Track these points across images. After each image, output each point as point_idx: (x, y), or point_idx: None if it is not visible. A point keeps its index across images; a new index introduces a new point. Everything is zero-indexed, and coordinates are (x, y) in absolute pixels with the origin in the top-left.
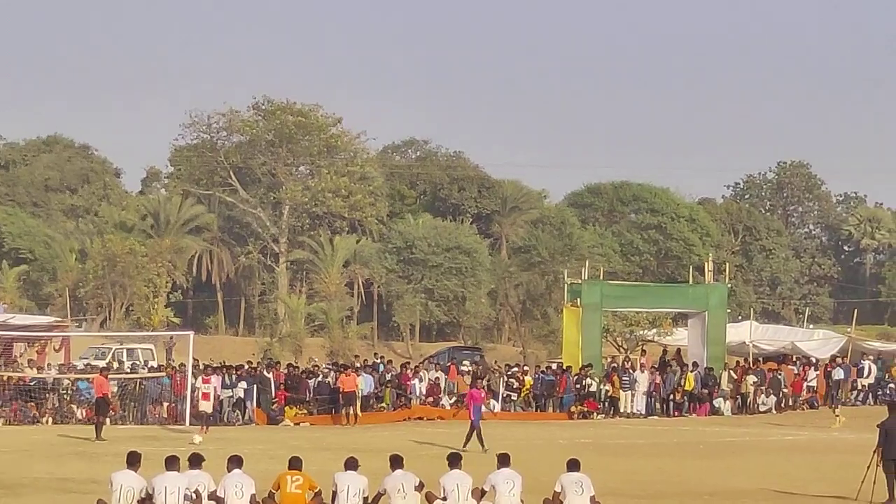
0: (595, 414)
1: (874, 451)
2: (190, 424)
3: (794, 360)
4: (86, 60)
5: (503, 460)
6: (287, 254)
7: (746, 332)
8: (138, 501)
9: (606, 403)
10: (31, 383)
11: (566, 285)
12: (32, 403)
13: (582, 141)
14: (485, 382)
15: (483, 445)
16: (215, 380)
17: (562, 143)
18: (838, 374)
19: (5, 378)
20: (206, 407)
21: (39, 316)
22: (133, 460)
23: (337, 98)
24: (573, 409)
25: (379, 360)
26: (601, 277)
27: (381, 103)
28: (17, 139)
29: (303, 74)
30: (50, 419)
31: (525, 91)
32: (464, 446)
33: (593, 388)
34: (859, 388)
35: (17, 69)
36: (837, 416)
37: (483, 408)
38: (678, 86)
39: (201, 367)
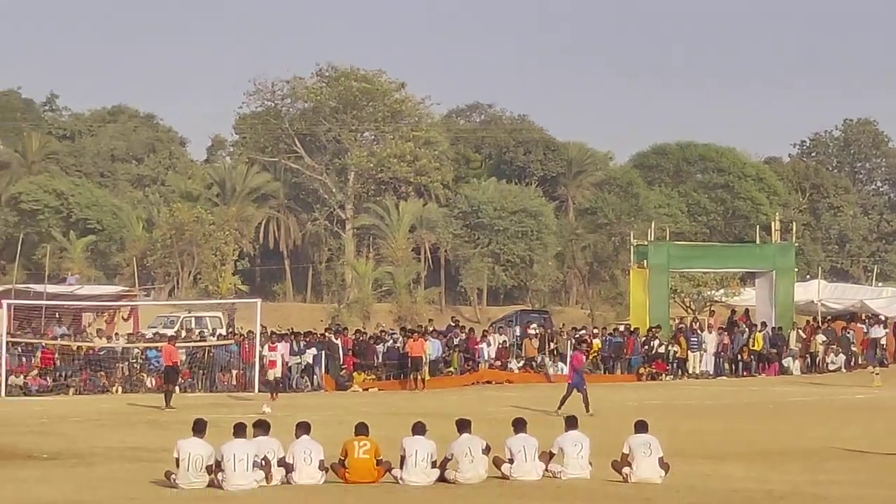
0: (663, 375)
1: None
2: (259, 392)
3: (864, 318)
4: (151, 29)
5: (571, 423)
6: (353, 220)
7: (815, 291)
8: (206, 468)
9: (675, 364)
10: (101, 353)
11: (632, 247)
12: (102, 373)
13: (647, 101)
14: (552, 345)
15: (587, 408)
16: (282, 347)
17: (627, 103)
18: (876, 332)
19: (75, 348)
20: (274, 374)
21: (107, 286)
22: (199, 428)
23: (400, 63)
24: (641, 370)
25: (454, 324)
26: (667, 238)
27: (444, 67)
28: (82, 110)
29: (366, 40)
30: (119, 388)
31: (589, 52)
32: (558, 409)
33: (661, 350)
34: None
35: (82, 40)
36: (876, 374)
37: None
38: (742, 45)
39: (269, 334)
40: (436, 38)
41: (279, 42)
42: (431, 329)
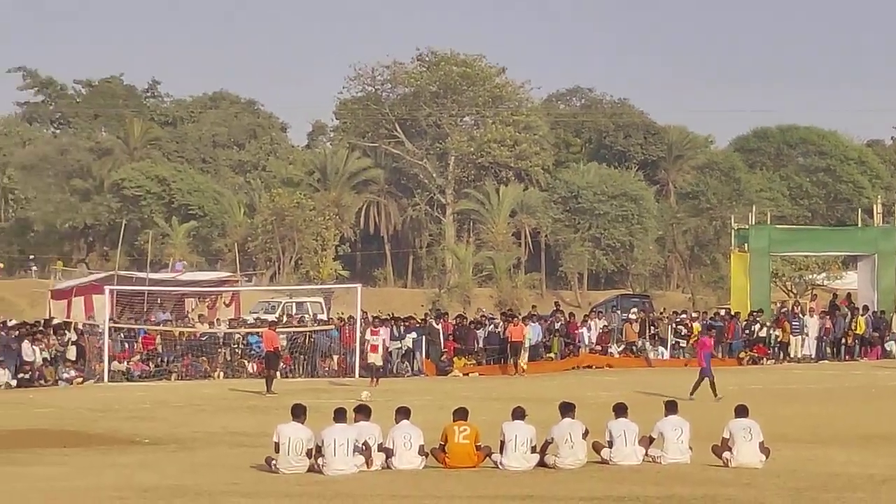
0: (765, 359)
1: None
2: (360, 377)
3: None
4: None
5: (671, 407)
6: (454, 204)
7: None
8: (307, 452)
9: (776, 348)
10: (203, 338)
11: (734, 230)
12: (204, 358)
13: (747, 84)
14: (653, 329)
15: (715, 394)
16: (384, 332)
17: (727, 86)
18: None
19: (177, 333)
20: (374, 359)
21: (209, 272)
22: (298, 412)
23: (500, 48)
24: (742, 354)
25: (556, 308)
26: (769, 222)
27: (544, 52)
28: (184, 96)
29: (466, 24)
30: (221, 374)
31: (689, 35)
32: (691, 394)
33: (762, 334)
34: None
35: (183, 26)
36: None
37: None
38: (845, 28)
39: (370, 319)
40: (536, 22)
41: (380, 27)
42: (532, 314)
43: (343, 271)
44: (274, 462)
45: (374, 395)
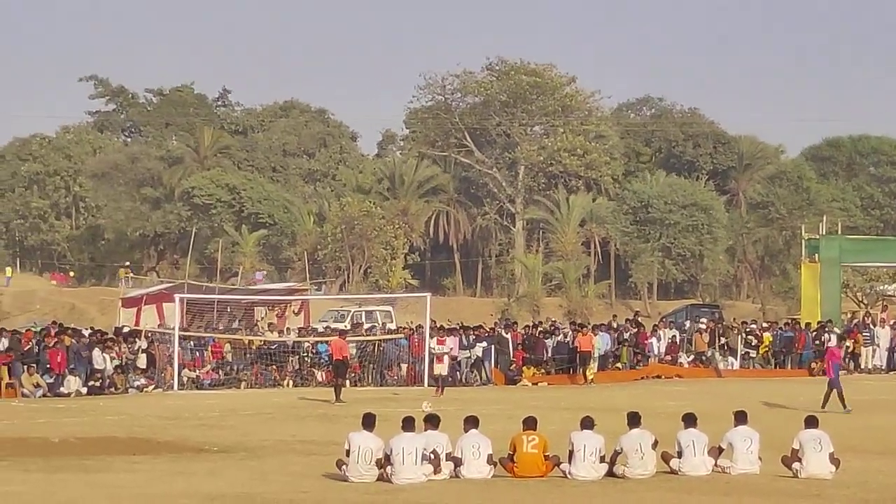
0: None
1: None
2: (428, 385)
3: None
4: (322, 25)
5: (740, 418)
6: (523, 213)
7: None
8: (376, 462)
9: (847, 359)
10: (272, 347)
11: (804, 240)
12: (273, 367)
13: (818, 94)
14: (723, 339)
15: (844, 405)
16: (450, 341)
17: (798, 96)
18: None
19: (247, 342)
20: (440, 369)
21: (277, 284)
22: (369, 422)
23: (571, 57)
24: (813, 365)
25: (636, 318)
26: (839, 232)
27: (615, 61)
28: (254, 105)
29: (536, 33)
30: (290, 382)
31: (761, 44)
32: (822, 407)
33: (832, 343)
34: None
35: (254, 36)
36: None
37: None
38: None
39: (437, 327)
40: (606, 31)
41: (449, 36)
42: (603, 324)
43: (412, 280)
44: (344, 467)
45: (439, 405)
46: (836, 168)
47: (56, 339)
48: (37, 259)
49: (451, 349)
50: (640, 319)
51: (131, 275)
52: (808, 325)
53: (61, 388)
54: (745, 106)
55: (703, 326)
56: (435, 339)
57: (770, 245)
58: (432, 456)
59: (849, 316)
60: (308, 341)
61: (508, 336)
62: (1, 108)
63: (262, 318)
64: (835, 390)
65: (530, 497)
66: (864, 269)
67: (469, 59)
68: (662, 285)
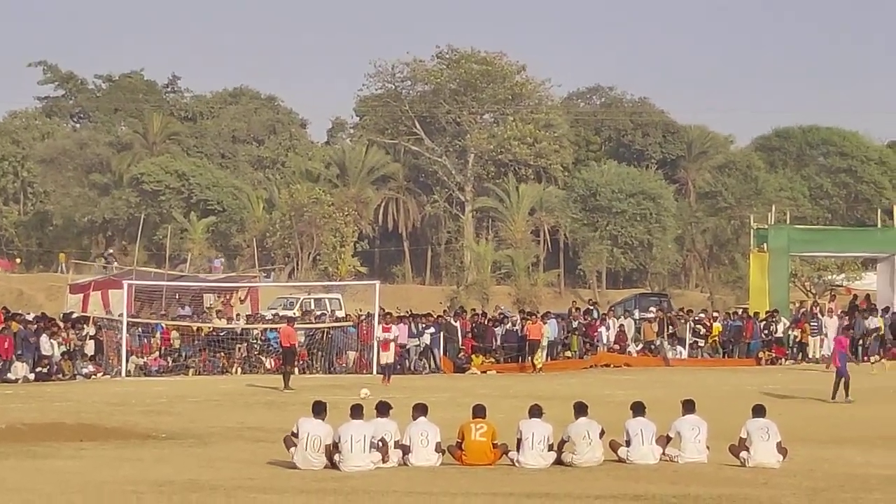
0: (783, 360)
1: None
2: (377, 374)
3: None
4: (272, 11)
5: (688, 407)
6: (473, 202)
7: None
8: (324, 449)
9: (795, 349)
10: (221, 334)
11: (753, 230)
12: (222, 354)
13: (768, 84)
14: (671, 329)
15: (847, 395)
16: (396, 329)
17: (748, 86)
18: (871, 323)
19: (195, 329)
20: (386, 357)
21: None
22: (319, 410)
23: (521, 46)
24: (761, 354)
25: (592, 307)
26: (788, 222)
27: (565, 50)
28: (203, 91)
29: (487, 22)
30: (238, 369)
31: (711, 35)
32: (833, 397)
33: (780, 334)
34: None
35: (204, 22)
36: (874, 363)
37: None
38: (864, 25)
39: (383, 314)
40: (557, 20)
41: (399, 24)
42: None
43: (361, 268)
44: (293, 449)
45: (386, 393)
46: (786, 158)
47: (3, 326)
48: None
49: (397, 337)
50: (591, 308)
51: (74, 261)
52: (756, 314)
53: (8, 375)
54: (696, 96)
55: (652, 316)
56: (380, 326)
57: (719, 234)
58: (381, 444)
59: (797, 305)
60: (257, 328)
61: (457, 324)
62: None
63: (211, 306)
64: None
65: (478, 485)
66: (813, 258)
67: (419, 47)
68: (611, 274)
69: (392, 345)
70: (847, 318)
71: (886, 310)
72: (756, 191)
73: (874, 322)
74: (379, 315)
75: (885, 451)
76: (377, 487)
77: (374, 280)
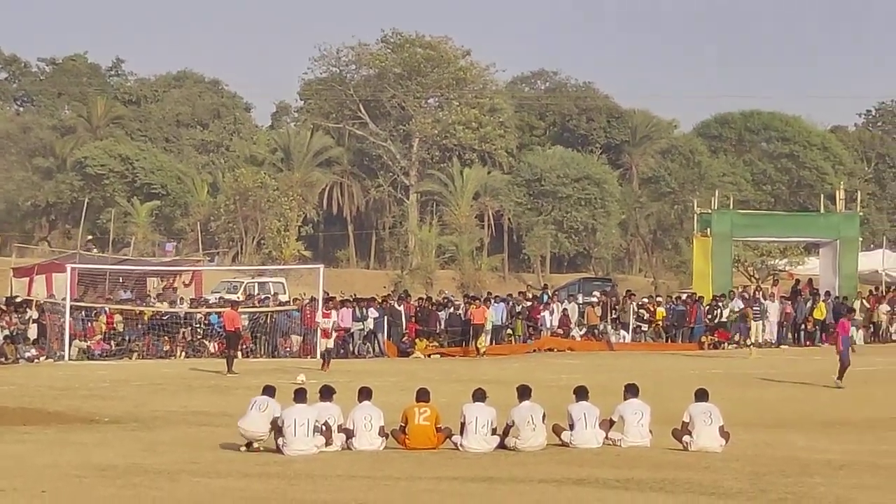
0: (725, 344)
1: None
2: (321, 357)
3: None
4: None
5: (631, 391)
6: (417, 186)
7: (879, 261)
8: (271, 425)
9: (738, 333)
10: (164, 318)
11: (696, 215)
12: (165, 338)
13: (713, 69)
14: (615, 313)
15: (840, 379)
16: (336, 315)
17: (692, 71)
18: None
19: (138, 312)
20: (325, 343)
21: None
22: (269, 393)
23: (466, 30)
24: (704, 339)
25: (543, 291)
26: (731, 207)
27: (510, 34)
28: (147, 75)
29: (432, 6)
30: (182, 353)
31: (655, 20)
32: (838, 380)
33: (724, 319)
34: None
35: (148, 4)
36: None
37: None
38: (808, 12)
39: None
40: (501, 5)
41: (344, 7)
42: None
43: (305, 252)
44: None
45: (336, 374)
46: (728, 144)
47: None
48: None
49: (336, 322)
50: (536, 293)
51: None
52: (701, 298)
53: None
54: (640, 80)
55: (596, 300)
56: (321, 312)
57: (662, 219)
58: (324, 427)
59: (740, 290)
60: (200, 312)
61: (401, 308)
62: None
63: (155, 289)
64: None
65: (422, 469)
66: (756, 243)
67: (364, 30)
68: (555, 258)
69: (332, 331)
70: (790, 302)
71: (828, 294)
72: (699, 176)
73: (738, 304)
74: (321, 300)
75: (825, 435)
76: (320, 471)
77: (319, 264)
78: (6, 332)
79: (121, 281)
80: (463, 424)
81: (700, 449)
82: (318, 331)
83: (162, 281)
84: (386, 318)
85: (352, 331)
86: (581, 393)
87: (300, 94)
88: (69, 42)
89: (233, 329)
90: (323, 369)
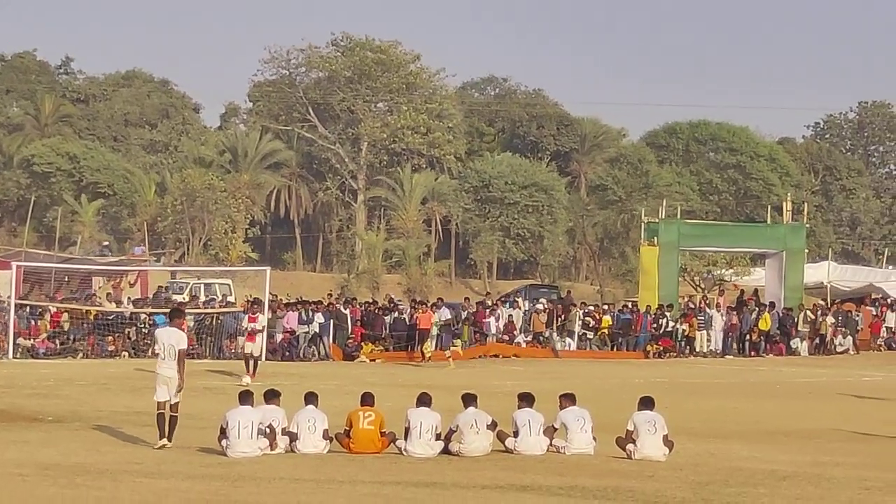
0: (670, 353)
1: None
2: (266, 360)
3: (873, 300)
4: None
5: (570, 398)
6: (365, 190)
7: (824, 273)
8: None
9: (682, 343)
10: (110, 317)
11: (643, 224)
12: (110, 337)
13: (662, 79)
14: (560, 320)
15: None
16: (263, 319)
17: (642, 80)
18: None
19: (84, 312)
20: (252, 349)
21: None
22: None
23: (416, 35)
24: (649, 347)
25: (515, 298)
26: (678, 216)
27: (460, 40)
28: (96, 74)
29: (382, 10)
30: (127, 353)
31: (605, 28)
32: None
33: (669, 328)
34: None
35: (97, 3)
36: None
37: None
38: (757, 23)
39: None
40: (452, 10)
41: (295, 10)
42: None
43: (252, 254)
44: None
45: (281, 377)
46: (673, 154)
47: None
48: None
49: (265, 327)
50: (478, 299)
51: None
52: (648, 307)
53: None
54: (590, 88)
55: (542, 307)
56: (247, 316)
57: (609, 227)
58: (268, 430)
59: (685, 300)
60: (145, 313)
61: (347, 311)
62: None
63: (101, 288)
64: None
65: (365, 473)
66: (702, 253)
67: (314, 33)
68: (502, 265)
69: (259, 335)
70: (735, 312)
71: (773, 305)
72: (646, 184)
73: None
74: (247, 303)
75: (769, 445)
76: (263, 474)
77: (265, 266)
78: None
79: (66, 280)
80: (407, 429)
81: (644, 457)
82: (245, 335)
83: (108, 280)
84: (332, 321)
85: (297, 334)
86: (526, 399)
87: (249, 96)
88: (18, 39)
89: None
90: (249, 376)
